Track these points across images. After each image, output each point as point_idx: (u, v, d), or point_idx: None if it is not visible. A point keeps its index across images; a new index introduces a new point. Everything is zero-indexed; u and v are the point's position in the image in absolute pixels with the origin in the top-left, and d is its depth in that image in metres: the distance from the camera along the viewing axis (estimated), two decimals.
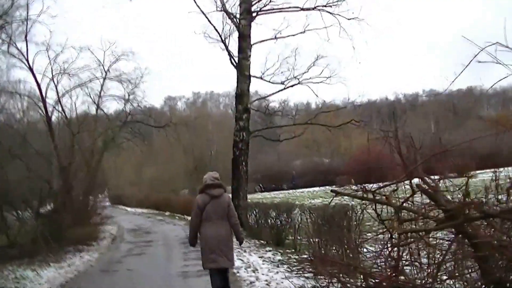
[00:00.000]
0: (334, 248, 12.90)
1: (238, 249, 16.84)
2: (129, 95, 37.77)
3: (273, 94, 24.99)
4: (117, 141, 31.86)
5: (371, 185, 5.96)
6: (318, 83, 24.66)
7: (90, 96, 28.65)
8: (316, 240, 13.68)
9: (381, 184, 5.96)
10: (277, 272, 12.62)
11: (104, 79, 36.86)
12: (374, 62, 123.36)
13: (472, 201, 4.99)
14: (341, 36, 23.74)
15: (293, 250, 16.01)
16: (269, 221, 18.50)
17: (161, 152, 62.94)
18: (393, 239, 5.65)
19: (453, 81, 5.62)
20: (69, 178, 22.08)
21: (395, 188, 5.58)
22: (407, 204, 5.48)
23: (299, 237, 16.34)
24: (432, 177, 5.69)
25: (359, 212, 12.06)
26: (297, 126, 27.81)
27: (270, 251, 16.42)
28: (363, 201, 6.01)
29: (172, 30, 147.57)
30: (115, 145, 32.91)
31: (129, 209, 53.57)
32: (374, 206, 5.63)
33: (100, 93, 29.78)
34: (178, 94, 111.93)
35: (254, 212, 20.70)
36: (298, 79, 24.67)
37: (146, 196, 51.58)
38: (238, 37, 23.52)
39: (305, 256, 14.66)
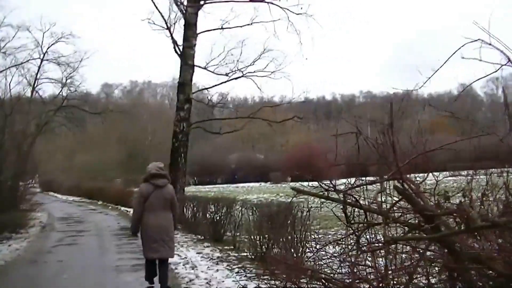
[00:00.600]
0: (276, 247, 12.48)
1: (175, 244, 16.31)
2: (66, 79, 36.75)
3: (216, 85, 24.44)
4: (52, 125, 30.84)
5: (338, 182, 5.53)
6: (262, 77, 24.28)
7: (26, 78, 27.59)
8: (258, 238, 13.23)
9: (352, 183, 5.53)
10: (217, 270, 12.09)
11: (42, 60, 35.79)
12: (316, 61, 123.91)
13: (459, 209, 4.57)
14: (288, 31, 23.47)
15: (232, 247, 15.50)
16: (208, 215, 17.91)
17: (95, 139, 61.68)
18: (361, 245, 5.24)
19: (428, 79, 5.29)
20: None
21: (383, 188, 5.09)
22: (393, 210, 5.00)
23: (238, 234, 15.87)
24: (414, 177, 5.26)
25: (306, 211, 11.67)
26: (237, 119, 27.37)
27: (208, 247, 15.88)
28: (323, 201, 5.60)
29: (116, 14, 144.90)
30: (49, 130, 31.80)
31: (60, 196, 52.01)
32: (343, 207, 5.17)
33: (36, 75, 28.81)
34: (115, 81, 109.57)
35: (192, 205, 20.11)
36: (242, 71, 24.26)
37: (78, 184, 50.19)
38: (184, 25, 22.87)
39: (245, 254, 14.22)
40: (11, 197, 22.07)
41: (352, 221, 5.25)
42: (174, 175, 22.19)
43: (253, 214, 13.66)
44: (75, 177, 54.51)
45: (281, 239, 12.20)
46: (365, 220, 5.28)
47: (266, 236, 12.83)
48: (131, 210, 31.51)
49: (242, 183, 69.58)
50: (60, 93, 36.39)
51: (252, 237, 13.69)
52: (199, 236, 18.33)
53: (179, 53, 23.13)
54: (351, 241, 5.66)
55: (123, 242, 17.67)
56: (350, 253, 5.46)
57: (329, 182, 5.31)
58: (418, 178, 5.22)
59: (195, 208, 19.81)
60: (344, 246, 5.73)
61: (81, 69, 39.78)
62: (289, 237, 11.90)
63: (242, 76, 24.17)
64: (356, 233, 5.28)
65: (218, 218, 17.18)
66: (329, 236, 15.88)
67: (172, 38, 23.29)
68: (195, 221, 19.66)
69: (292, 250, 11.91)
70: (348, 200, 5.14)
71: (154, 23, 24.10)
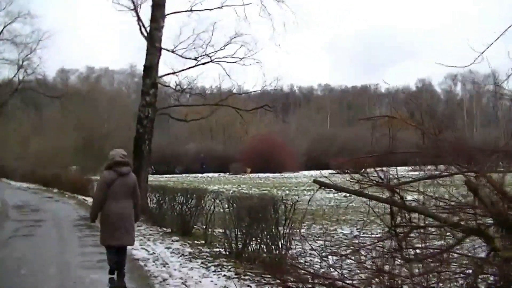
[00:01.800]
0: (255, 242, 11.56)
1: (140, 237, 15.24)
2: (23, 61, 35.16)
3: (183, 70, 23.30)
4: (6, 109, 29.29)
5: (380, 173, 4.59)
6: (231, 63, 23.35)
7: None
8: (234, 232, 12.26)
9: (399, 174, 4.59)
10: (192, 268, 11.06)
11: None
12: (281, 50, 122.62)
13: None
14: (261, 15, 22.58)
15: (203, 242, 14.47)
16: (176, 207, 16.77)
17: (50, 125, 59.86)
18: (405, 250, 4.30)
19: (479, 56, 4.50)
20: None
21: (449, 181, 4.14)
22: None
23: (209, 228, 14.85)
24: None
25: (290, 205, 10.75)
26: (202, 107, 26.37)
27: (177, 241, 14.81)
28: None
29: None
30: (3, 113, 30.19)
31: (13, 183, 50.02)
32: (390, 207, 4.22)
33: None
34: (71, 67, 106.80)
35: (157, 195, 19.01)
36: (210, 57, 23.26)
37: (33, 170, 48.43)
38: (152, 6, 21.68)
39: (218, 249, 13.25)
40: None
41: (395, 223, 4.30)
42: (138, 163, 21.12)
43: (229, 206, 12.59)
44: (30, 164, 52.67)
45: (261, 234, 11.28)
46: (409, 222, 4.34)
47: (244, 231, 11.88)
48: (89, 199, 30.42)
49: (200, 173, 68.56)
50: (16, 75, 35.03)
51: (227, 231, 12.71)
52: (165, 229, 17.31)
53: (145, 35, 22.00)
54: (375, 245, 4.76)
55: (84, 233, 16.46)
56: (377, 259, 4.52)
57: (375, 174, 4.31)
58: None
59: (160, 199, 18.72)
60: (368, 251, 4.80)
61: (38, 51, 38.44)
62: (271, 232, 10.97)
63: (211, 61, 23.18)
64: (397, 236, 4.34)
65: (187, 210, 16.09)
66: (314, 232, 15.03)
67: (139, 18, 22.19)
68: (160, 212, 18.61)
69: (273, 247, 11.03)
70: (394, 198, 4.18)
71: (119, 3, 22.96)
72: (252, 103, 28.73)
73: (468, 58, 5.54)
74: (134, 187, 9.68)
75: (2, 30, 28.38)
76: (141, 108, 21.51)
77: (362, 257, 4.75)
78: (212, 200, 14.62)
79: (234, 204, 12.35)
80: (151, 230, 17.18)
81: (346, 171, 4.89)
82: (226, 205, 12.92)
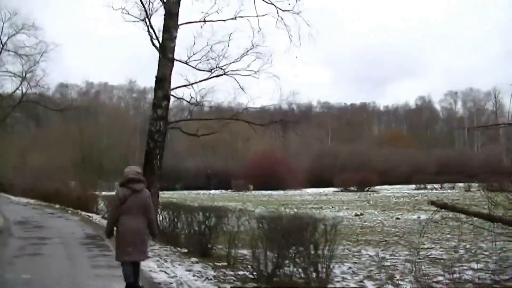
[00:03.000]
0: (292, 266, 10.60)
1: (156, 258, 14.31)
2: (26, 73, 34.26)
3: (196, 82, 22.35)
4: (8, 122, 28.39)
5: None
6: (246, 76, 22.42)
7: None
8: (264, 254, 11.30)
9: None
10: None
11: (0, 52, 33.08)
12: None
13: None
14: (277, 27, 21.72)
15: (226, 264, 13.45)
16: (194, 225, 15.74)
17: (50, 140, 58.93)
18: None
19: None
20: None
21: None
22: None
23: (231, 249, 13.83)
24: None
25: (331, 226, 9.83)
26: (214, 121, 25.47)
27: (197, 262, 13.80)
28: None
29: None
30: (4, 127, 29.24)
31: (13, 197, 48.94)
32: None
33: None
34: (70, 81, 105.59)
35: (171, 213, 18.01)
36: (224, 69, 22.35)
37: (33, 185, 47.37)
38: (164, 15, 20.69)
39: (243, 272, 12.28)
40: None
41: None
42: (148, 179, 19.98)
43: (259, 227, 11.59)
44: (30, 178, 51.56)
45: (298, 257, 10.35)
46: None
47: (276, 252, 10.92)
48: (94, 216, 29.46)
49: (202, 190, 67.45)
50: (19, 88, 34.19)
51: (256, 253, 11.73)
52: (180, 249, 16.28)
53: (157, 46, 21.10)
54: None
55: (94, 253, 15.48)
56: None
57: None
58: None
59: (173, 217, 17.74)
60: None
61: (42, 63, 37.67)
62: (310, 255, 10.04)
63: (224, 74, 22.28)
64: None
65: (206, 229, 15.06)
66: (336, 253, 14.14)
67: (151, 28, 21.26)
68: (173, 231, 17.63)
69: (311, 270, 10.10)
70: None
71: (128, 13, 22.08)
72: (257, 119, 27.68)
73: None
74: (148, 203, 9.74)
75: (6, 41, 27.71)
76: (153, 121, 20.51)
77: None
78: (236, 219, 13.58)
79: (265, 224, 11.36)
80: (165, 250, 16.17)
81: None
82: (255, 225, 11.90)
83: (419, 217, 26.35)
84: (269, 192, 62.12)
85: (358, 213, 31.02)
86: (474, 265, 12.23)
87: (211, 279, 11.72)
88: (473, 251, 15.32)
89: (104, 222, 21.81)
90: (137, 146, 75.32)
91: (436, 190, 59.91)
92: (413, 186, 64.62)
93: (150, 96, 53.99)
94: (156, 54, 21.06)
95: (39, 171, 51.24)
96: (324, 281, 9.86)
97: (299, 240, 10.20)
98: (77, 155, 58.42)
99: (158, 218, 18.61)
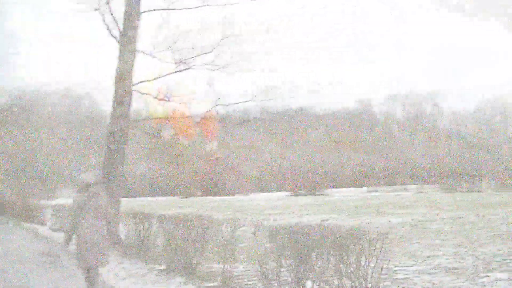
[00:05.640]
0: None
1: (131, 279, 12.12)
2: None
3: (160, 77, 20.11)
4: None
5: None
6: (213, 70, 20.35)
7: None
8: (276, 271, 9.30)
9: None
10: None
11: None
12: None
13: None
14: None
15: (220, 284, 11.22)
16: (174, 238, 13.40)
17: None
18: None
19: None
20: None
21: None
22: None
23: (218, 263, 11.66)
24: None
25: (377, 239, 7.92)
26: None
27: (185, 283, 11.55)
28: None
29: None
30: None
31: None
32: None
33: None
34: None
35: (140, 223, 15.72)
36: (187, 63, 20.23)
37: None
38: (126, 2, 18.61)
39: None
40: None
41: None
42: (109, 186, 17.70)
43: (271, 240, 9.51)
44: None
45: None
46: None
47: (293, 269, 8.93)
48: (39, 227, 26.83)
49: (149, 197, 64.49)
50: None
51: (264, 270, 9.68)
52: (154, 265, 13.93)
53: (116, 36, 18.86)
54: None
55: (55, 276, 12.97)
56: None
57: None
58: None
59: (144, 228, 15.46)
60: None
61: None
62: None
63: (192, 67, 20.17)
64: None
65: (189, 243, 12.74)
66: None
67: (112, 15, 18.95)
68: (142, 244, 15.36)
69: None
70: None
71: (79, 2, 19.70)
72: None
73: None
74: (105, 208, 9.67)
75: None
76: (114, 120, 18.29)
77: None
78: (231, 231, 11.36)
79: (282, 238, 9.28)
80: (138, 268, 13.85)
81: None
82: (266, 239, 9.77)
83: (389, 221, 24.77)
84: (219, 198, 59.93)
85: (324, 219, 29.24)
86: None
87: None
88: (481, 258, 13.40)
89: (54, 235, 21.55)
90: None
91: (388, 193, 59.41)
92: (364, 189, 64.27)
93: None
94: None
95: None
96: None
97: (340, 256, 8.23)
98: (14, 162, 55.25)
99: (122, 228, 16.59)
